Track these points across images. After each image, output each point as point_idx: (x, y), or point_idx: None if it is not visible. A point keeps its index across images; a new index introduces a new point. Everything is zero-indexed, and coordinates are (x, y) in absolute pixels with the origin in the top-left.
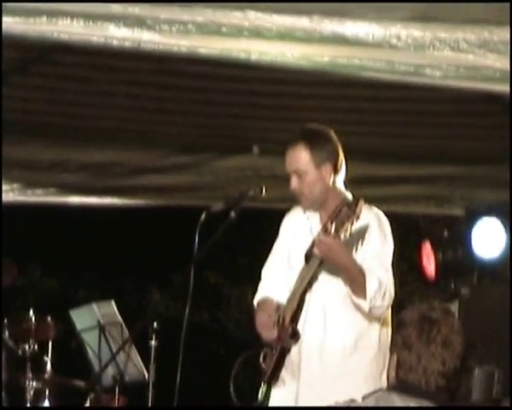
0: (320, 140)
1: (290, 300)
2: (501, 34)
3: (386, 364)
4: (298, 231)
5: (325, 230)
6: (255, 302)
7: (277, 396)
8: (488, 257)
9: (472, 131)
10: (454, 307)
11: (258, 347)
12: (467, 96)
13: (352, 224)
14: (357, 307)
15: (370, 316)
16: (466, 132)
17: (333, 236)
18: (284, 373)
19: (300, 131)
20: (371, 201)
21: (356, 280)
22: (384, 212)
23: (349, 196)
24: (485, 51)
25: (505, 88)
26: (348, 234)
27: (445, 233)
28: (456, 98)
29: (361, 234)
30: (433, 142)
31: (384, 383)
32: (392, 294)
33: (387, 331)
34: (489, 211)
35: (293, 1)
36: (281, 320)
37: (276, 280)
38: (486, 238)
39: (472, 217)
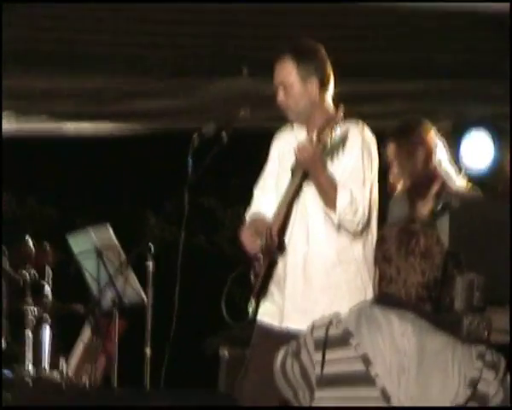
0: (308, 54)
1: (277, 213)
2: None
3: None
4: (286, 148)
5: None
6: (247, 218)
7: (266, 310)
8: (477, 170)
9: (458, 46)
10: (445, 218)
11: (249, 263)
12: (453, 10)
13: (332, 129)
14: (329, 219)
15: (344, 229)
16: (453, 46)
17: (315, 144)
18: (273, 287)
19: (289, 44)
20: (360, 117)
21: (327, 193)
22: (374, 128)
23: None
24: None
25: None
26: (329, 140)
27: None
28: (442, 12)
29: (340, 142)
30: (421, 56)
31: (371, 296)
32: (367, 210)
33: (373, 245)
34: (477, 124)
35: None
36: (268, 232)
37: (267, 197)
38: (475, 151)
39: (460, 131)
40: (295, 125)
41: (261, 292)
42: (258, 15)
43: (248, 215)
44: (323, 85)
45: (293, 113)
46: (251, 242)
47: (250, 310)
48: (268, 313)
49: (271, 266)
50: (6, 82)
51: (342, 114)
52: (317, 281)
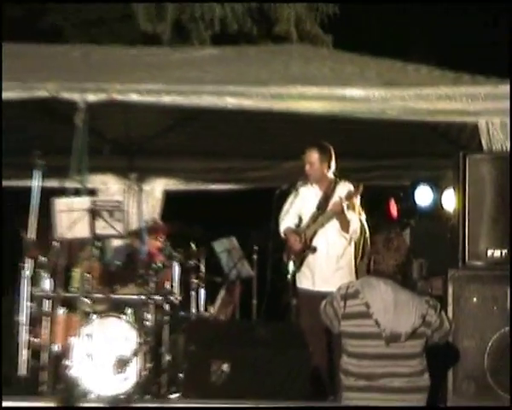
0: (324, 150)
1: (311, 228)
2: (426, 91)
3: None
4: (307, 194)
5: (340, 198)
6: (282, 231)
7: (301, 280)
8: (423, 205)
9: (407, 141)
10: (407, 232)
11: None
12: (410, 123)
13: (355, 197)
14: (343, 237)
15: (349, 240)
16: (409, 140)
17: (343, 203)
18: (304, 268)
19: (316, 142)
20: (361, 180)
21: (345, 224)
22: (368, 185)
23: (339, 180)
24: (419, 100)
25: (432, 119)
26: (351, 203)
27: (401, 194)
28: (399, 124)
29: (355, 204)
30: (391, 148)
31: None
32: (358, 232)
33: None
34: (423, 182)
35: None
36: (303, 239)
37: (291, 218)
38: (422, 196)
39: (414, 185)
40: (313, 184)
41: (297, 270)
42: (303, 129)
43: (283, 230)
44: (329, 167)
45: (312, 178)
46: (296, 243)
47: (290, 271)
48: (303, 281)
49: (305, 257)
50: (179, 165)
51: (361, 188)
52: (333, 264)
